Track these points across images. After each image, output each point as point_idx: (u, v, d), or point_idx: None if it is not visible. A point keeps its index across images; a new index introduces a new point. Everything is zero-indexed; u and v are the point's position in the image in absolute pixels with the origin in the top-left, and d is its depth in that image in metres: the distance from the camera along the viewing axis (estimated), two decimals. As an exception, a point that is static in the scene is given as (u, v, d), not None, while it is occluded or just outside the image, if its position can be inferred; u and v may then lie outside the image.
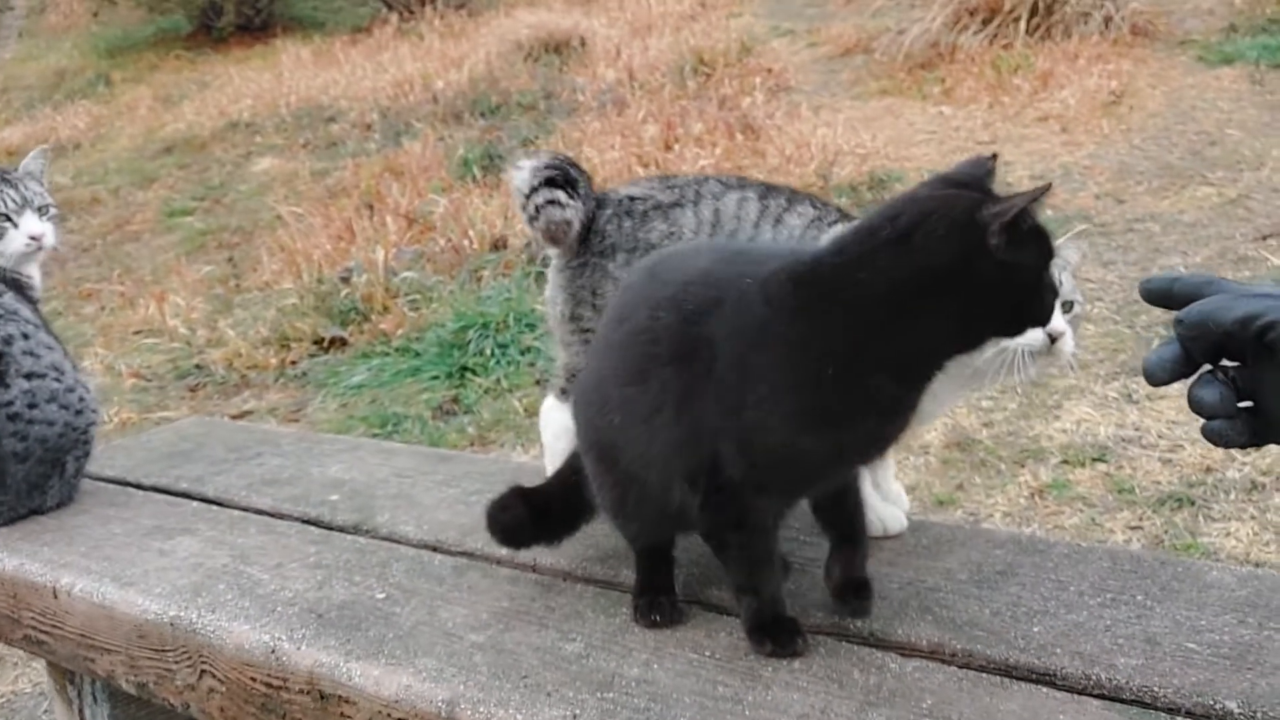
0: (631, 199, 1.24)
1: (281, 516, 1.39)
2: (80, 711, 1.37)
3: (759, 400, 0.88)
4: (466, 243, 4.50)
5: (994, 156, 0.93)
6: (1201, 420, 0.79)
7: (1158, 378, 0.81)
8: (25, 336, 1.29)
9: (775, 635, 0.95)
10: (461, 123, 7.68)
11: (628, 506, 1.03)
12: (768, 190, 1.23)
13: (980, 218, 0.83)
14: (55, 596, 1.18)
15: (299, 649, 1.02)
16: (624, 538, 1.07)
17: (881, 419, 0.91)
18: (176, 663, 1.09)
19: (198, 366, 3.77)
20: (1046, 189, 0.86)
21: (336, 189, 6.52)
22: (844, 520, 1.03)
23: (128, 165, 8.43)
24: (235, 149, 8.31)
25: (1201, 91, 5.45)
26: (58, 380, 1.31)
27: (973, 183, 0.89)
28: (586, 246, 1.21)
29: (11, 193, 1.37)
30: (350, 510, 1.39)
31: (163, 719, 1.44)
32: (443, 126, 7.59)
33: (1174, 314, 0.80)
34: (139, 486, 1.52)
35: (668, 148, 5.92)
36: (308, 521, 1.38)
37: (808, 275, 0.89)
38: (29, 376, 1.28)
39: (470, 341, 3.47)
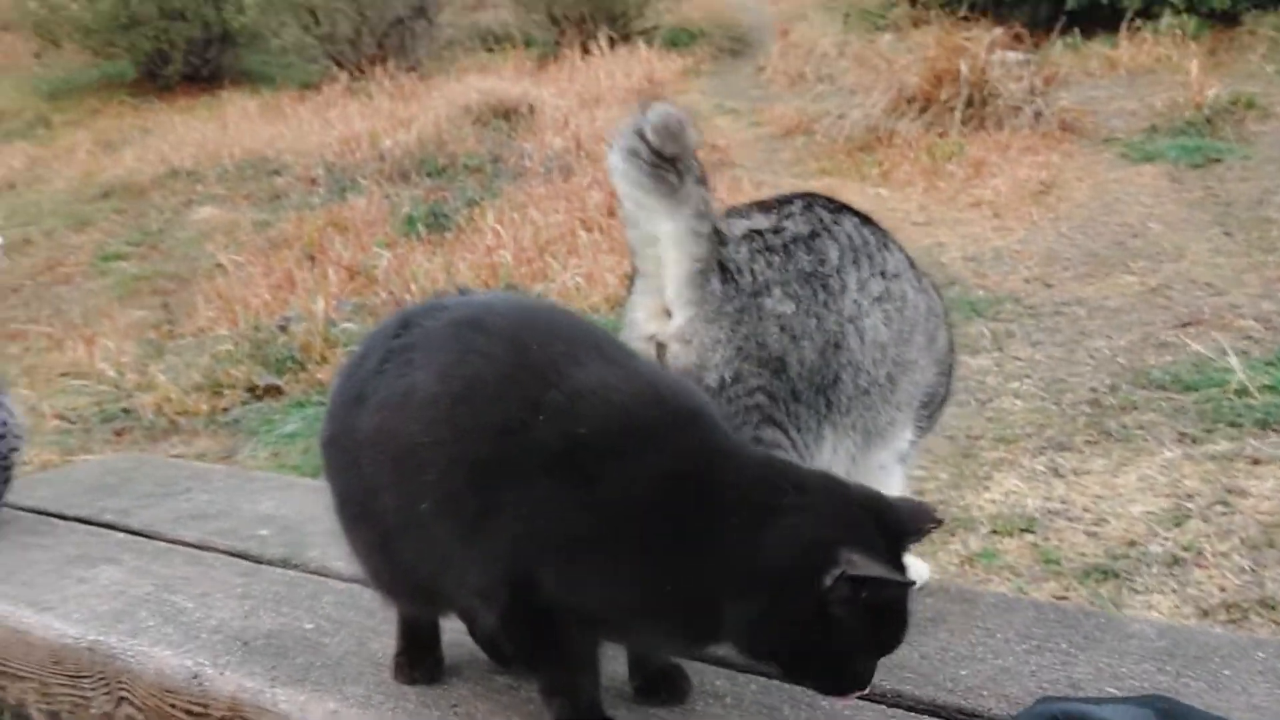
0: (759, 232, 1.13)
1: (209, 549, 1.37)
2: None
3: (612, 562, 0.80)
4: (408, 297, 4.49)
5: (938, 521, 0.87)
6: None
7: None
8: None
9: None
10: (408, 181, 7.71)
11: (389, 581, 0.94)
12: (859, 214, 1.21)
13: (834, 560, 0.75)
14: (-33, 623, 1.14)
15: (222, 674, 1.00)
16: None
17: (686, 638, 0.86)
18: (93, 690, 1.05)
19: (125, 410, 3.67)
20: (910, 584, 0.80)
21: (278, 240, 6.48)
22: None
23: (63, 208, 8.28)
24: (175, 196, 8.23)
25: (1125, 186, 5.70)
26: None
27: (872, 517, 0.81)
28: (733, 287, 1.08)
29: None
30: (281, 545, 1.37)
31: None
32: (389, 184, 7.61)
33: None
34: (62, 517, 1.48)
35: (611, 214, 6.01)
36: (236, 555, 1.35)
37: (696, 487, 0.81)
38: None
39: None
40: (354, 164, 8.24)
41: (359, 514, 0.92)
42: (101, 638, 1.06)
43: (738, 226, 1.14)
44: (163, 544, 1.36)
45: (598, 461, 0.80)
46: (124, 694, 1.04)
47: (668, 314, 1.08)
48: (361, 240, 6.03)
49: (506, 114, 8.90)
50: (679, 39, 10.63)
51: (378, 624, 1.09)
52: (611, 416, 0.83)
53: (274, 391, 3.71)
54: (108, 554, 1.30)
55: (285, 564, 1.30)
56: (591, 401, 0.83)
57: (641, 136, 1.07)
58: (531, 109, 8.91)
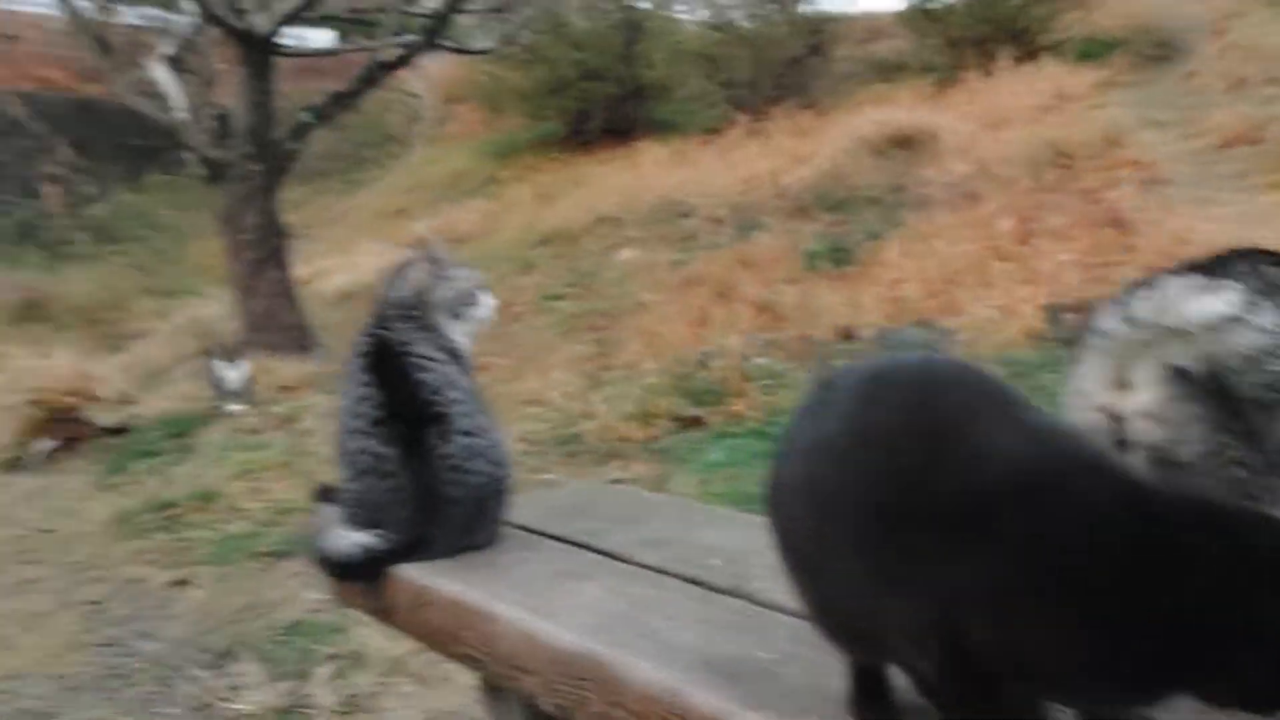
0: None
1: (667, 574, 1.59)
2: (503, 721, 1.65)
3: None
4: (815, 332, 4.69)
5: None
6: None
7: None
8: (462, 401, 1.54)
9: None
10: (809, 217, 7.95)
11: (825, 624, 0.99)
12: None
13: None
14: (490, 622, 1.45)
15: (694, 692, 1.19)
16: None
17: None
18: (590, 690, 1.30)
19: (573, 435, 4.23)
20: None
21: (692, 278, 7.00)
22: None
23: (511, 254, 9.52)
24: (602, 240, 9.14)
25: None
26: (484, 439, 1.55)
27: None
28: None
29: (474, 271, 1.69)
30: (729, 575, 1.55)
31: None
32: (790, 220, 7.91)
33: None
34: (545, 535, 1.79)
35: (1023, 241, 5.80)
36: (690, 580, 1.56)
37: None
38: (465, 434, 1.51)
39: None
40: (756, 202, 8.65)
41: (795, 557, 1.02)
42: (594, 647, 1.29)
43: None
44: (629, 566, 1.60)
45: (1014, 509, 0.82)
46: (615, 698, 1.27)
47: (1126, 385, 1.03)
48: (767, 276, 6.36)
49: (905, 143, 8.86)
50: (1092, 50, 9.94)
51: (829, 661, 1.11)
52: (1022, 466, 0.84)
53: (697, 422, 4.07)
54: (587, 572, 1.56)
55: (734, 593, 1.47)
56: (998, 451, 0.85)
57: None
58: (932, 136, 8.80)
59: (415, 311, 1.60)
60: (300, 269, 7.58)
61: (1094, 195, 6.26)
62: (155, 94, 7.19)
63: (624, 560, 1.65)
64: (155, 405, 5.43)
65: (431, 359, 1.52)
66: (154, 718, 2.43)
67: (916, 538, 0.85)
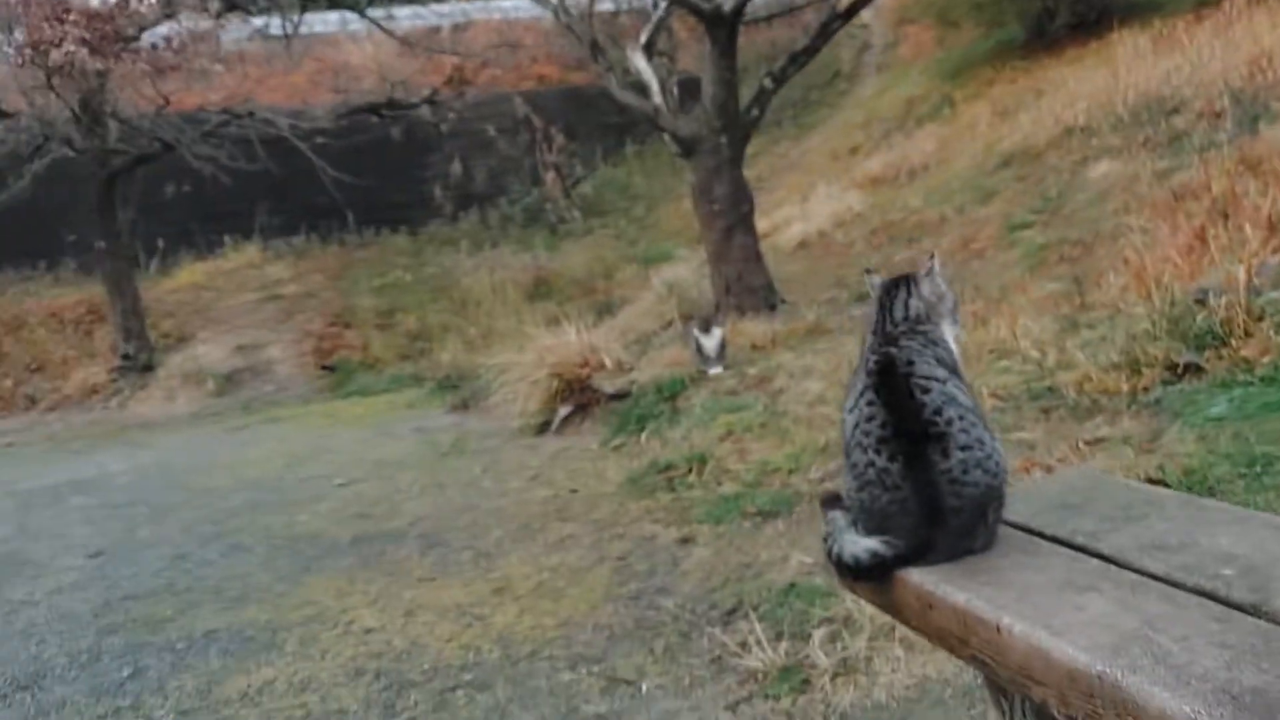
0: None
1: (1176, 585, 1.51)
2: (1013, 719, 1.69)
3: None
4: (1350, 253, 3.98)
5: None
6: None
7: None
8: (961, 418, 1.61)
9: None
10: (1336, 96, 6.69)
11: None
12: None
13: None
14: (998, 632, 1.49)
15: (1219, 728, 1.15)
16: None
17: None
18: (1104, 710, 1.30)
19: (1049, 389, 4.00)
20: None
21: (1182, 192, 6.22)
22: None
23: (970, 183, 9.12)
24: (1070, 155, 8.42)
25: None
26: (981, 451, 1.61)
27: None
28: None
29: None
30: (1246, 588, 1.44)
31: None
32: (1311, 104, 6.71)
33: None
34: (1040, 535, 1.78)
35: None
36: (1204, 594, 1.47)
37: None
38: (963, 449, 1.58)
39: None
40: (1265, 87, 7.43)
41: None
42: (1107, 669, 1.28)
43: None
44: (1133, 575, 1.54)
45: None
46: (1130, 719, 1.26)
47: None
48: (1281, 181, 5.46)
49: None
50: None
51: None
52: None
53: (1194, 370, 3.66)
54: (1089, 582, 1.53)
55: (1256, 611, 1.37)
56: None
57: None
58: None
59: (922, 326, 1.68)
60: (759, 222, 7.94)
61: None
62: (637, 83, 7.90)
63: (1126, 567, 1.60)
64: (648, 371, 6.06)
65: (933, 378, 1.60)
66: (680, 667, 2.79)
67: None
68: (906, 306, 1.73)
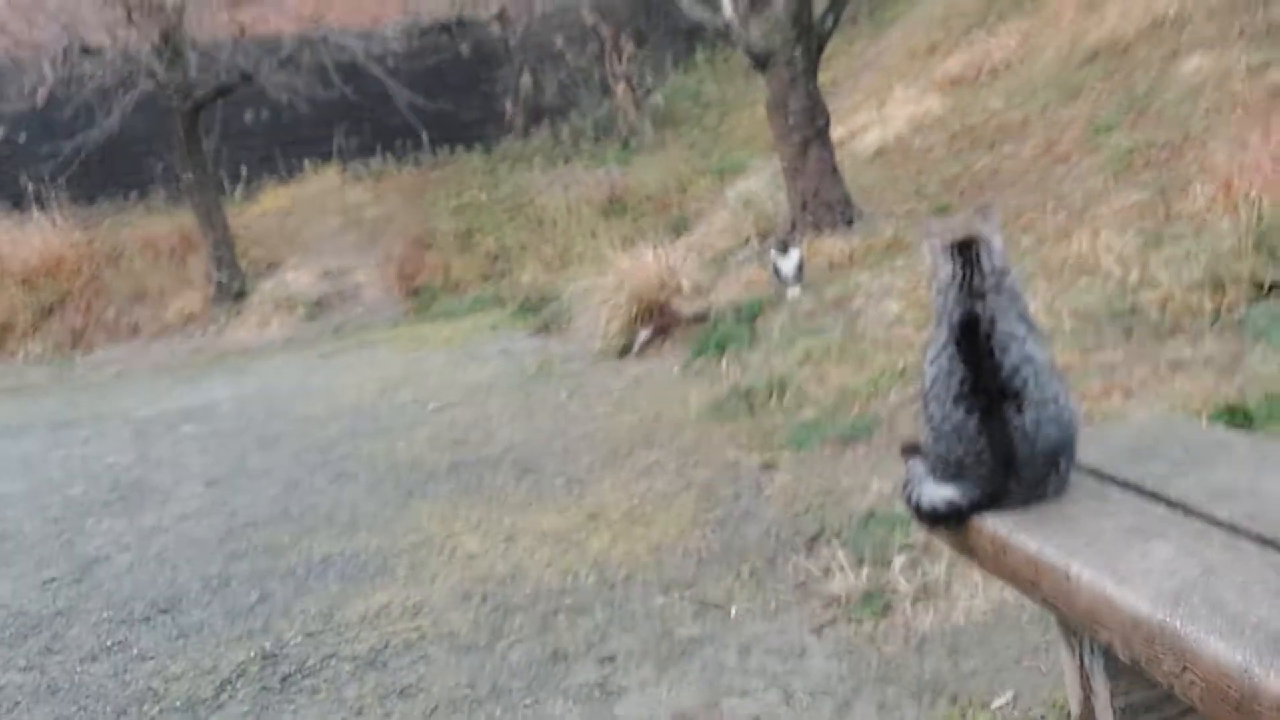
0: None
1: (1240, 533, 1.59)
2: (1080, 657, 1.80)
3: None
4: None
5: None
6: None
7: None
8: (1036, 375, 1.68)
9: None
10: None
11: None
12: None
13: None
14: (1067, 579, 1.60)
15: (1268, 675, 1.25)
16: None
17: None
18: (1163, 654, 1.41)
19: (1130, 308, 3.99)
20: None
21: (1277, 90, 5.98)
22: None
23: (1054, 80, 8.80)
24: (1160, 48, 8.05)
25: None
26: (1053, 407, 1.69)
27: None
28: None
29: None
30: None
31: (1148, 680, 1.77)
32: None
33: None
34: (1112, 480, 1.86)
35: None
36: (1267, 542, 1.56)
37: None
38: (1037, 404, 1.67)
39: None
40: (1378, -36, 6.99)
41: None
42: (1167, 618, 1.38)
43: None
44: (1199, 522, 1.62)
45: None
46: (1187, 665, 1.36)
47: None
48: (1387, 76, 5.22)
49: None
50: None
51: None
52: None
53: (1278, 289, 3.62)
54: (1156, 528, 1.62)
55: (1315, 561, 1.46)
56: None
57: None
58: None
59: (1007, 280, 1.73)
60: (834, 130, 7.85)
61: None
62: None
63: (1192, 514, 1.68)
64: (725, 293, 6.15)
65: (1013, 335, 1.67)
66: (767, 592, 2.96)
67: None
68: (991, 259, 1.75)
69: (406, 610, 3.21)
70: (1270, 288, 3.64)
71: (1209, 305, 3.73)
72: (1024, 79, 9.33)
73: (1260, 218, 3.98)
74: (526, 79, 14.29)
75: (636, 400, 5.28)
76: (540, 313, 8.12)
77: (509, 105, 14.22)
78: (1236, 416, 2.86)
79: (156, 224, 12.54)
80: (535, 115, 14.21)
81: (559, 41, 14.29)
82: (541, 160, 13.31)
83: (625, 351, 6.21)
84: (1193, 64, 7.40)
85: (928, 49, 12.14)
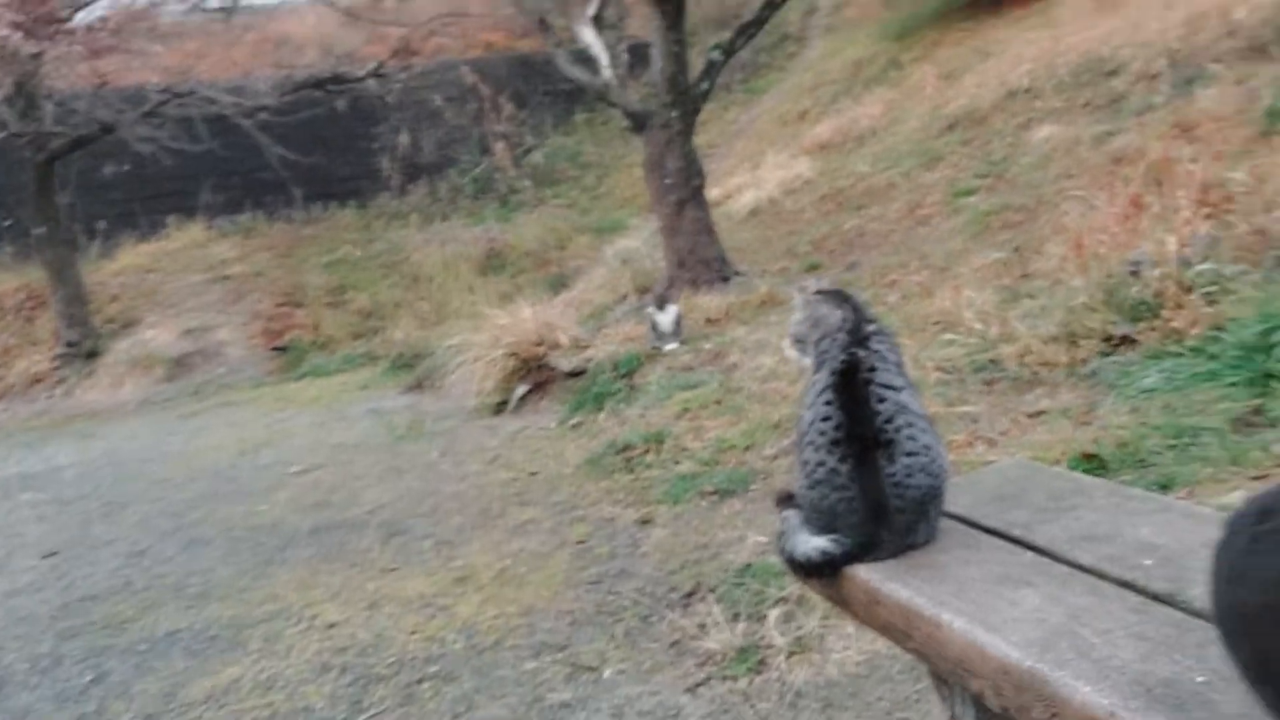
0: None
1: (1102, 577, 1.60)
2: (952, 707, 1.78)
3: None
4: (1272, 222, 4.12)
5: None
6: None
7: None
8: (910, 425, 1.69)
9: None
10: (1265, 56, 6.81)
11: None
12: None
13: None
14: (938, 627, 1.57)
15: (1133, 718, 1.24)
16: None
17: None
18: (1032, 702, 1.38)
19: (991, 361, 4.11)
20: None
21: (1120, 156, 6.35)
22: None
23: (917, 147, 9.19)
24: (1014, 118, 8.51)
25: None
26: (925, 456, 1.70)
27: None
28: None
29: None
30: (1163, 579, 1.53)
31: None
32: (1243, 65, 6.83)
33: None
34: (979, 527, 1.86)
35: None
36: (1125, 585, 1.56)
37: None
38: (908, 455, 1.67)
39: (1276, 344, 3.23)
40: (1200, 47, 7.55)
41: (1261, 678, 1.04)
42: (1036, 665, 1.36)
43: None
44: (1063, 567, 1.63)
45: None
46: (1056, 711, 1.34)
47: None
48: (1212, 145, 5.60)
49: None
50: None
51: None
52: None
53: (1128, 342, 3.78)
54: (1023, 575, 1.62)
55: (1170, 601, 1.46)
56: None
57: None
58: None
59: (885, 331, 1.76)
60: (709, 191, 7.98)
61: None
62: (586, 57, 7.86)
63: (1057, 559, 1.68)
64: (603, 348, 6.10)
65: (890, 386, 1.68)
66: (641, 652, 2.87)
67: None
68: (869, 310, 1.83)
69: (258, 686, 2.98)
70: (1119, 341, 3.80)
71: (1064, 358, 3.86)
72: (889, 145, 9.72)
73: (1109, 275, 4.16)
74: (405, 136, 14.15)
75: (512, 457, 5.15)
76: (414, 370, 7.92)
77: (386, 162, 14.03)
78: (1093, 464, 2.94)
79: (3, 280, 11.81)
80: (413, 172, 14.06)
81: (438, 99, 14.23)
82: (418, 217, 13.14)
83: (501, 408, 6.08)
84: (1044, 133, 7.83)
85: (798, 116, 12.56)
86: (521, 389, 6.05)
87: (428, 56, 14.06)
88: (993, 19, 11.57)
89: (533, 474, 4.77)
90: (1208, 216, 4.58)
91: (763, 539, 3.32)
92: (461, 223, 12.84)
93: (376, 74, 12.59)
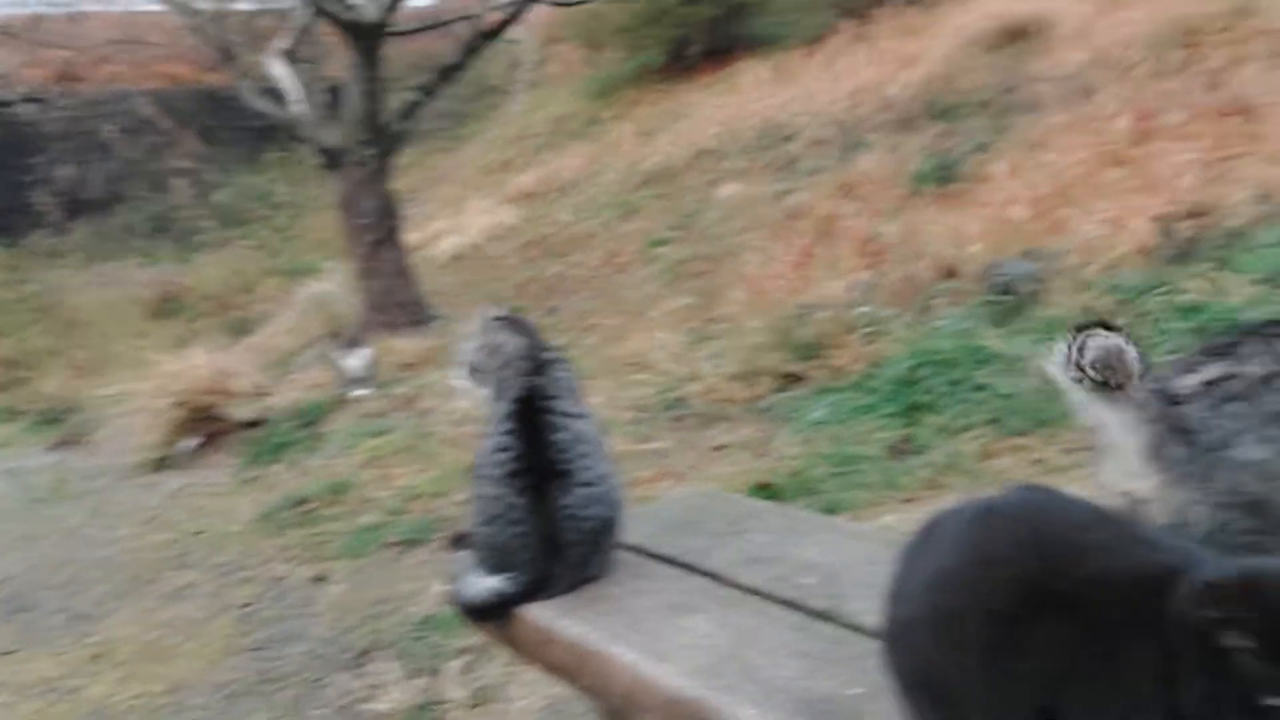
0: (1213, 383, 1.15)
1: (768, 598, 1.58)
2: (622, 749, 1.69)
3: None
4: (919, 270, 4.53)
5: None
6: None
7: None
8: (586, 455, 1.62)
9: None
10: (913, 129, 7.60)
11: None
12: None
13: None
14: (606, 662, 1.48)
15: (797, 739, 1.19)
16: None
17: None
18: (703, 732, 1.32)
19: (679, 399, 4.21)
20: None
21: (795, 212, 6.82)
22: None
23: (615, 199, 9.46)
24: (704, 175, 8.96)
25: None
26: (601, 486, 1.63)
27: None
28: (1196, 448, 1.14)
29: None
30: (824, 596, 1.53)
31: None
32: (896, 135, 7.58)
33: None
34: (655, 556, 1.80)
35: (1138, 142, 5.42)
36: (789, 604, 1.55)
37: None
38: (584, 485, 1.61)
39: (922, 379, 3.52)
40: (861, 118, 8.31)
41: (927, 693, 1.06)
42: (704, 693, 1.31)
43: (1189, 382, 1.16)
44: (735, 591, 1.60)
45: (1102, 605, 0.90)
46: (725, 740, 1.28)
47: (1136, 476, 1.15)
48: (871, 204, 6.13)
49: (1018, 34, 8.29)
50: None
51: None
52: (1113, 569, 0.92)
53: (798, 379, 3.99)
54: (694, 602, 1.57)
55: (829, 618, 1.46)
56: (1095, 558, 0.93)
57: (1081, 369, 1.18)
58: (1047, 24, 8.20)
59: (564, 360, 1.72)
60: (410, 234, 7.74)
61: (1219, 78, 5.76)
62: (275, 89, 7.40)
63: (728, 584, 1.65)
64: (286, 395, 5.68)
65: (569, 414, 1.63)
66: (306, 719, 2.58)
67: (1024, 638, 0.93)
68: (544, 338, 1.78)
69: None
70: (791, 378, 4.00)
71: (743, 395, 4.02)
72: (589, 196, 9.93)
73: (783, 317, 4.40)
74: (68, 168, 12.73)
75: (173, 516, 4.61)
76: (62, 424, 7.01)
77: (44, 195, 12.54)
78: (769, 492, 3.03)
79: None
80: (76, 208, 12.65)
81: (108, 130, 12.95)
82: (82, 257, 11.82)
83: (164, 463, 5.46)
84: (729, 189, 8.30)
85: (502, 165, 12.60)
86: (191, 442, 5.48)
87: (99, 84, 12.80)
88: (685, 83, 12.21)
89: (196, 534, 4.29)
90: (867, 266, 4.99)
91: (447, 587, 3.13)
92: (135, 263, 11.68)
93: (33, 98, 11.27)
